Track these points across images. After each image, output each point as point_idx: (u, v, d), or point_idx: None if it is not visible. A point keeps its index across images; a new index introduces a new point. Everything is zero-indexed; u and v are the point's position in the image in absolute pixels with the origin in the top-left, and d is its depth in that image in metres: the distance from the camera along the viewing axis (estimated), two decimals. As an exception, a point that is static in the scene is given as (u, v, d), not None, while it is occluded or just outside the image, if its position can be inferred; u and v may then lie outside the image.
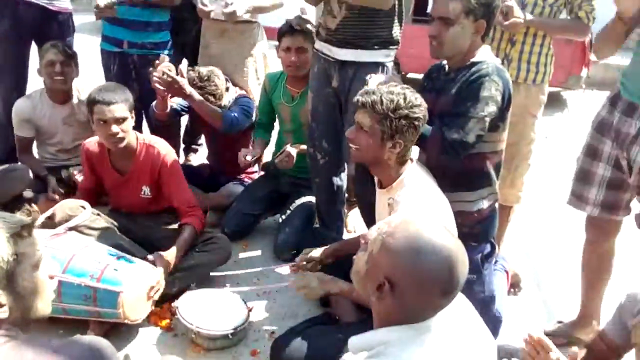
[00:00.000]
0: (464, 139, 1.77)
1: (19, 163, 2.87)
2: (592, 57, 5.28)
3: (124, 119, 2.20)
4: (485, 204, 1.98)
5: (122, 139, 2.22)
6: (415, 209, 1.67)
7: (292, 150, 2.64)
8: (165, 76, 2.50)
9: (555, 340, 2.12)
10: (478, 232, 2.01)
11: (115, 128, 2.18)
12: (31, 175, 2.72)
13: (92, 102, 2.20)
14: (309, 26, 2.62)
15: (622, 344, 1.56)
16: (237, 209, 2.75)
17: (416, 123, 1.73)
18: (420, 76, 4.20)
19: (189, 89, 2.58)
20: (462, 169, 1.91)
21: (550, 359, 1.40)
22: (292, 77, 2.74)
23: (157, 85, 2.53)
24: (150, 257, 2.17)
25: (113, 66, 2.94)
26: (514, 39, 2.38)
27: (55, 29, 2.95)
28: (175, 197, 2.37)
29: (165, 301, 2.17)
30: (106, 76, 3.00)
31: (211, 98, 2.72)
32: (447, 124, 1.80)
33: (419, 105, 1.73)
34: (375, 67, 2.20)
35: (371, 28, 2.17)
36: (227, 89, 2.84)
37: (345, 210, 2.89)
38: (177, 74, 2.55)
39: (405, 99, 1.71)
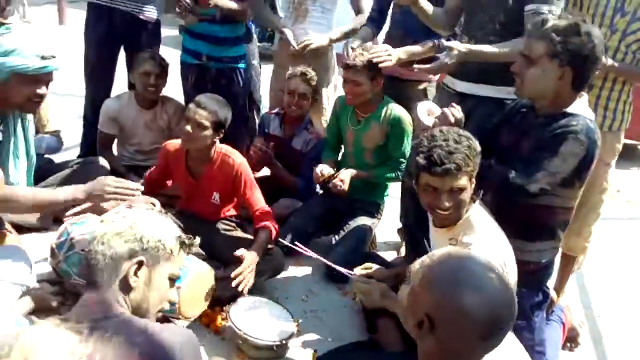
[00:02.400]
0: (527, 187, 1.73)
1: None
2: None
3: (201, 126, 2.33)
4: (544, 258, 1.92)
5: (191, 141, 2.36)
6: (487, 253, 1.59)
7: (346, 176, 2.66)
8: (260, 150, 2.90)
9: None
10: (530, 281, 1.93)
11: (189, 128, 2.32)
12: (109, 169, 2.89)
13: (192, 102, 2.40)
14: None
15: None
16: (294, 224, 2.80)
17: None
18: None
19: (275, 162, 2.98)
20: (527, 219, 1.86)
21: None
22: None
23: (253, 155, 2.92)
24: (238, 253, 2.22)
25: (191, 77, 3.10)
26: (592, 83, 2.33)
27: (144, 37, 3.15)
28: (252, 204, 2.46)
29: (217, 304, 2.23)
30: (184, 87, 3.17)
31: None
32: (517, 168, 1.76)
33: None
34: None
35: None
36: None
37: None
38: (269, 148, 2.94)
39: (471, 146, 1.69)
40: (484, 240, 1.67)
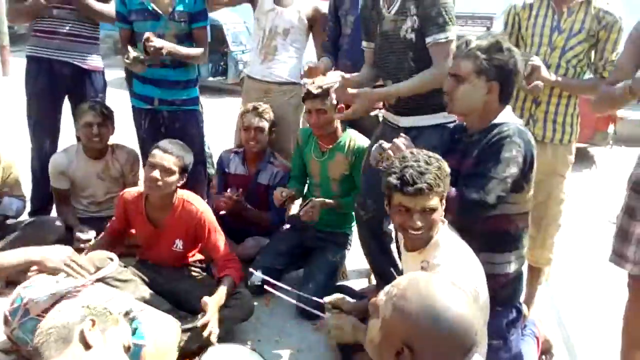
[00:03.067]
0: (484, 199, 1.76)
1: (52, 214, 2.94)
2: (619, 113, 5.25)
3: (169, 171, 2.28)
4: (511, 268, 1.95)
5: (159, 187, 2.29)
6: (457, 272, 1.63)
7: (316, 204, 2.65)
8: (230, 199, 2.86)
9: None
10: (503, 296, 1.96)
11: (156, 174, 2.26)
12: (63, 226, 2.78)
13: (154, 147, 2.33)
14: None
15: None
16: (262, 262, 2.74)
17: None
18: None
19: (247, 206, 2.95)
20: (488, 231, 1.90)
21: None
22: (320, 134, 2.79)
23: (222, 205, 2.89)
24: (204, 300, 2.16)
25: (144, 122, 3.00)
26: (538, 99, 2.41)
27: (88, 86, 3.06)
28: (215, 251, 2.41)
29: (186, 357, 2.14)
30: (137, 132, 3.07)
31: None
32: (467, 184, 1.81)
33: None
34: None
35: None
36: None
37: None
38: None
39: (440, 167, 1.72)
40: (453, 262, 1.68)
